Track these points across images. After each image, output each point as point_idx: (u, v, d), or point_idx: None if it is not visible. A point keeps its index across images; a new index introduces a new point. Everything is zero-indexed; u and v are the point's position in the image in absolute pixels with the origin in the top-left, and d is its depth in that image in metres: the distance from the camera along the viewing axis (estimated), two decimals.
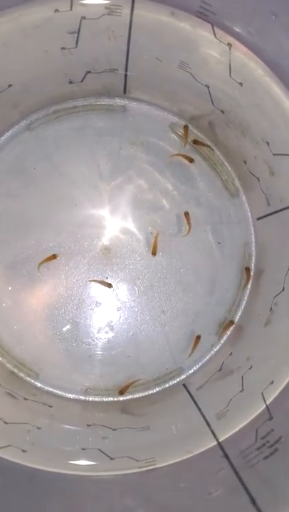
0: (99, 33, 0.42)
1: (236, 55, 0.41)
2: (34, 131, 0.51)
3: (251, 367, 0.46)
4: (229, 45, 0.40)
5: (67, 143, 0.52)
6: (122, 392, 0.50)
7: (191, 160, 0.52)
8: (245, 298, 0.52)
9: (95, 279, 0.51)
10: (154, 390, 0.51)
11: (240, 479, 0.32)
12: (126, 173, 0.52)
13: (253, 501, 0.30)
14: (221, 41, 0.40)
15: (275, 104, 0.42)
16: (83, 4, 0.39)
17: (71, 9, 0.39)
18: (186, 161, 0.52)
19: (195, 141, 0.51)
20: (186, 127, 0.51)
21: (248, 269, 0.52)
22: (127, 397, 0.51)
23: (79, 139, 0.52)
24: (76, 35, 0.42)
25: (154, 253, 0.51)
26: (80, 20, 0.41)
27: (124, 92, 0.51)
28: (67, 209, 0.52)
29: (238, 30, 0.38)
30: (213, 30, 0.40)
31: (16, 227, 0.51)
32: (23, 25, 0.40)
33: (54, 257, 0.50)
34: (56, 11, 0.40)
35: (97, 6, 0.40)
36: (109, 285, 0.51)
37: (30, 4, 0.38)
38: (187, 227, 0.51)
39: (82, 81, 0.48)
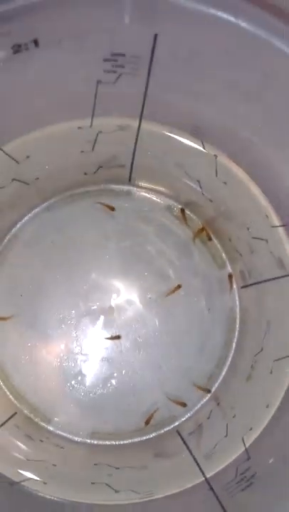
0: (111, 141, 0.50)
1: (221, 162, 0.49)
2: (52, 212, 0.58)
3: (234, 415, 0.52)
4: (215, 156, 0.49)
5: (79, 218, 0.59)
6: (147, 423, 0.55)
7: (210, 238, 0.59)
8: (231, 355, 0.58)
9: (102, 337, 0.57)
10: (151, 436, 0.56)
11: (222, 507, 0.40)
12: (131, 244, 0.59)
13: None
14: (208, 152, 0.49)
15: (252, 200, 0.50)
16: (100, 123, 0.48)
17: (91, 126, 0.48)
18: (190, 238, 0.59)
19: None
20: (182, 210, 0.59)
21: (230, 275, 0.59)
22: (127, 441, 0.56)
23: (90, 214, 0.59)
24: (93, 142, 0.50)
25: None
26: (97, 133, 0.49)
27: (129, 180, 0.58)
28: (78, 275, 0.57)
29: (223, 146, 0.48)
30: (203, 144, 0.49)
31: (35, 293, 0.57)
32: (51, 138, 0.48)
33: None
34: (79, 128, 0.48)
35: (111, 124, 0.48)
36: (118, 337, 0.57)
37: (60, 123, 0.48)
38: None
39: (94, 173, 0.56)
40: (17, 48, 0.37)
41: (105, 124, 0.49)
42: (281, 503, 0.38)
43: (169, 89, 0.42)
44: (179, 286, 0.58)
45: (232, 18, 0.33)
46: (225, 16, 0.33)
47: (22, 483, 0.46)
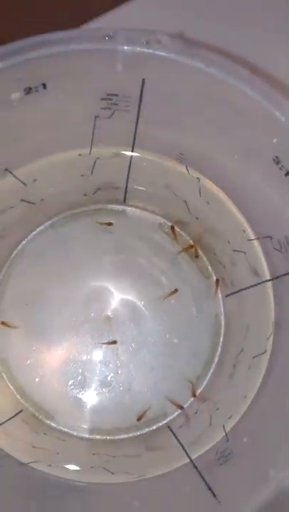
0: (108, 167, 0.57)
1: (204, 184, 0.55)
2: (55, 229, 0.64)
3: (218, 408, 0.57)
4: (198, 178, 0.55)
5: (80, 234, 0.64)
6: (139, 420, 0.60)
7: (197, 255, 0.64)
8: (217, 357, 0.62)
9: (100, 342, 0.62)
10: (144, 431, 0.61)
11: (203, 479, 0.46)
12: (126, 258, 0.64)
13: (211, 490, 0.45)
14: (192, 175, 0.55)
15: (231, 217, 0.55)
16: (98, 151, 0.55)
17: (90, 154, 0.54)
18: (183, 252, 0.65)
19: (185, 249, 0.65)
20: (172, 227, 0.64)
21: (218, 280, 0.64)
22: (122, 437, 0.61)
23: (89, 231, 0.64)
24: (92, 168, 0.56)
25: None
26: (95, 160, 0.55)
27: (124, 201, 0.64)
28: (78, 286, 0.62)
29: (204, 170, 0.54)
30: (187, 169, 0.54)
31: (39, 303, 0.62)
32: (56, 164, 0.54)
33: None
34: (80, 155, 0.54)
35: (107, 152, 0.55)
36: (114, 342, 0.61)
37: (63, 151, 0.54)
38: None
39: (93, 194, 0.62)
40: (28, 90, 0.44)
41: (102, 152, 0.55)
42: (250, 473, 0.45)
43: (156, 123, 0.49)
44: (176, 290, 0.63)
45: (203, 67, 0.41)
46: (198, 64, 0.41)
47: (29, 464, 0.52)
